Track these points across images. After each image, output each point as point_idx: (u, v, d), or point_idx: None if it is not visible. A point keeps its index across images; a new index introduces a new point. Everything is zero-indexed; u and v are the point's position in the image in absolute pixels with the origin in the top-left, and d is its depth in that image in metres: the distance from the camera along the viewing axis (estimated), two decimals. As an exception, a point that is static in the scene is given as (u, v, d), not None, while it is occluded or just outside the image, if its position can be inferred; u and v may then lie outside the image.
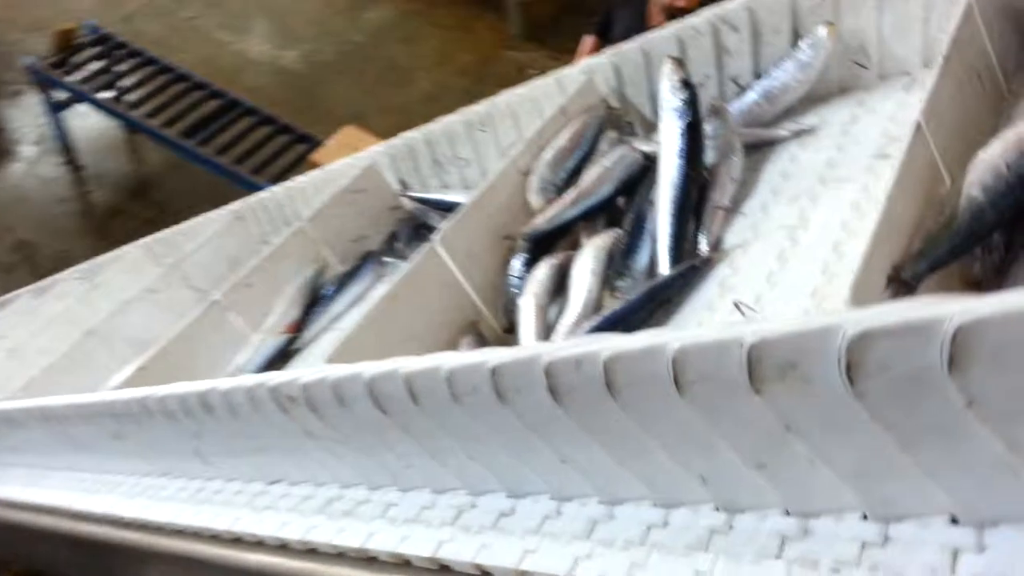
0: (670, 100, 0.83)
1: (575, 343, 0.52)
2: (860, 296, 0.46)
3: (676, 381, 0.47)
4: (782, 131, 0.84)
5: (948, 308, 0.37)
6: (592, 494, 0.61)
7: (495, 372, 0.56)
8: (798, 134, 0.83)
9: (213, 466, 0.96)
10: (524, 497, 0.67)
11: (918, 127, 0.53)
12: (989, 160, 0.49)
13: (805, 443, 0.45)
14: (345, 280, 1.25)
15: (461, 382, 0.59)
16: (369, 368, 0.66)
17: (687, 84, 0.83)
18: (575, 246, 0.85)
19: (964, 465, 0.42)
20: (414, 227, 1.24)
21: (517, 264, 0.88)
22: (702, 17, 0.89)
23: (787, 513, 0.51)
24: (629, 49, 0.96)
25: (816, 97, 0.85)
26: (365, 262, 1.25)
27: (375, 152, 1.29)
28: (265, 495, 0.88)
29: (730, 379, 0.45)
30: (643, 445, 0.53)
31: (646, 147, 0.89)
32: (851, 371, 0.40)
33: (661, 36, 0.93)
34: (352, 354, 0.67)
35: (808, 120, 0.84)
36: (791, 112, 0.85)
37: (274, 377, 0.74)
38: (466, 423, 0.62)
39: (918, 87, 0.76)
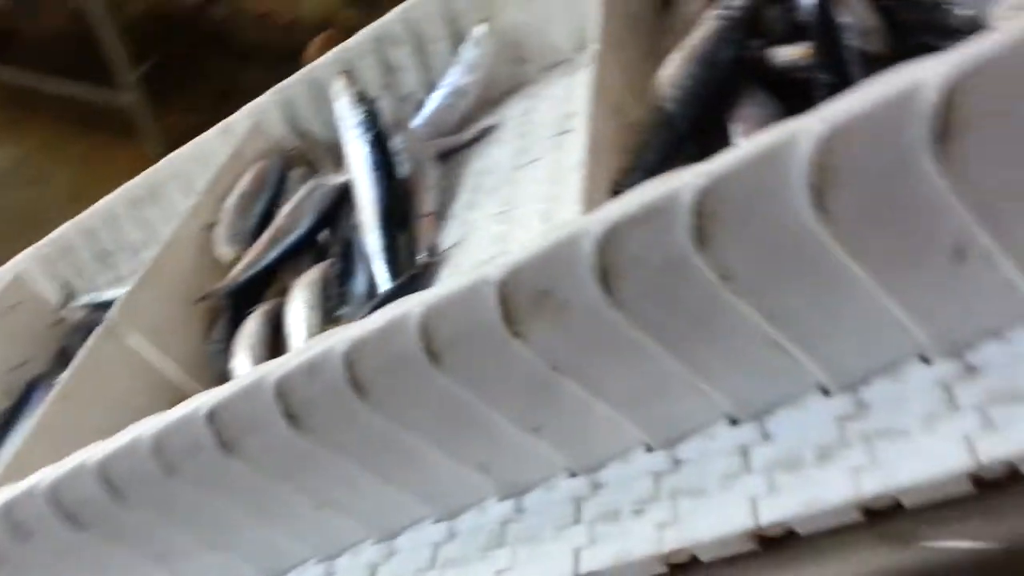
0: (350, 116, 0.78)
1: (302, 349, 0.44)
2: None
3: (429, 351, 0.41)
4: (467, 135, 0.83)
5: (684, 176, 0.35)
6: (364, 537, 0.53)
7: (213, 416, 0.46)
8: (483, 134, 0.83)
9: None
10: (287, 574, 0.56)
11: (598, 53, 0.53)
12: (670, 74, 0.51)
13: (576, 380, 0.41)
14: (11, 417, 1.03)
15: (173, 446, 0.47)
16: (48, 474, 0.52)
17: (363, 97, 0.79)
18: (284, 293, 0.77)
19: (732, 354, 0.40)
20: (86, 336, 1.06)
21: (220, 324, 0.77)
22: (360, 37, 0.87)
23: (574, 475, 0.47)
24: (292, 83, 0.91)
25: (490, 101, 0.86)
26: (32, 390, 1.04)
27: (20, 260, 1.09)
28: None
29: (486, 328, 0.40)
30: (408, 447, 0.46)
31: (338, 177, 0.84)
32: (605, 277, 0.37)
33: (323, 63, 0.89)
34: (23, 477, 0.52)
35: (488, 121, 0.84)
36: (471, 118, 0.85)
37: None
38: (191, 500, 0.50)
39: (579, 69, 0.80)
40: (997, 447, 0.34)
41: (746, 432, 0.42)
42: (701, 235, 0.35)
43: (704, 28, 0.53)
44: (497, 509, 0.48)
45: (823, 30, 0.49)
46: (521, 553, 0.45)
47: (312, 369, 0.43)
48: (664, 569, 0.41)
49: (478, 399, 0.43)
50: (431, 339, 0.41)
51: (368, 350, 0.42)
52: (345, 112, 0.79)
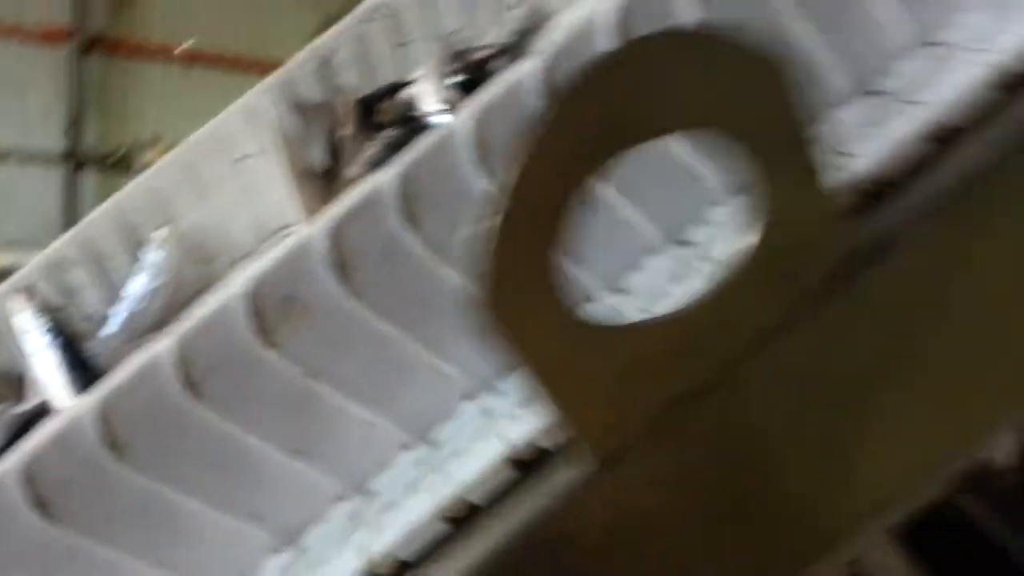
0: (34, 328, 0.77)
1: (48, 427, 0.43)
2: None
3: (189, 383, 0.43)
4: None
5: (387, 170, 0.45)
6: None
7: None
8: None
9: None
10: None
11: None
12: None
13: (331, 384, 0.46)
14: None
15: None
16: None
17: (47, 306, 0.79)
18: None
19: (455, 325, 0.48)
20: None
21: None
22: (31, 266, 0.87)
23: (344, 498, 0.49)
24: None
25: (184, 303, 0.89)
26: None
27: None
28: None
29: (241, 344, 0.44)
30: (175, 510, 0.45)
31: (24, 404, 0.79)
32: (341, 270, 0.45)
33: (-4, 298, 0.86)
34: None
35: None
36: (166, 321, 0.87)
37: None
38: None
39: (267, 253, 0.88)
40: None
41: (483, 400, 0.50)
42: (410, 216, 0.45)
43: (369, 151, 0.67)
44: (277, 561, 0.48)
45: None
46: (311, 584, 0.46)
47: (62, 441, 0.43)
48: (446, 526, 0.44)
49: (242, 428, 0.45)
50: (189, 369, 0.44)
51: (124, 401, 0.43)
52: (28, 325, 0.78)
